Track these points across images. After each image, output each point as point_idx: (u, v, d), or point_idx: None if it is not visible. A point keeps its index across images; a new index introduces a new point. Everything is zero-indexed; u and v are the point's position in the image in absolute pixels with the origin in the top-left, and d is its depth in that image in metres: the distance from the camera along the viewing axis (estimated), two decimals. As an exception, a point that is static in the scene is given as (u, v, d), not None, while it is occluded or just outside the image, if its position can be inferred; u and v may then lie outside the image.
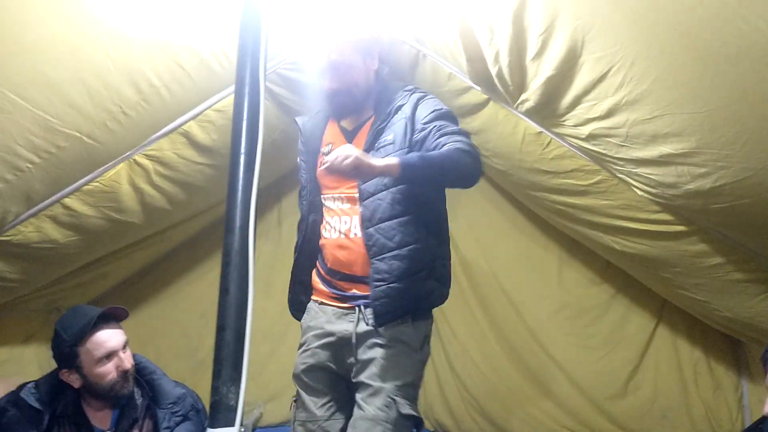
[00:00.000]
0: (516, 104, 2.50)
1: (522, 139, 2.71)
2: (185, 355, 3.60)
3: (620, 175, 2.54)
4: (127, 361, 2.12)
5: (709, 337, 3.40)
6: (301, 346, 2.21)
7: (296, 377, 2.22)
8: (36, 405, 2.10)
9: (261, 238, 3.74)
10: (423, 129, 2.01)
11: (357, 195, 2.06)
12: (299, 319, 2.28)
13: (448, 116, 2.08)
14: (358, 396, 2.03)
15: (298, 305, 2.29)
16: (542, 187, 2.95)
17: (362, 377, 2.03)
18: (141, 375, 2.27)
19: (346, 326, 2.08)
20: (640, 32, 1.80)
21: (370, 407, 1.97)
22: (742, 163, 1.97)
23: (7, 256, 2.72)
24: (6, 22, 1.96)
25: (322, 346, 2.13)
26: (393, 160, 1.85)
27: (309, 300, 2.23)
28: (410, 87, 2.17)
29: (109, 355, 2.09)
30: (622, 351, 3.47)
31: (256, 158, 1.24)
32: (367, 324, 2.05)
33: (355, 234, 2.07)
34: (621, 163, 2.40)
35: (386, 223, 2.02)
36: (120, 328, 2.17)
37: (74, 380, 2.12)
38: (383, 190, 2.03)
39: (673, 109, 1.96)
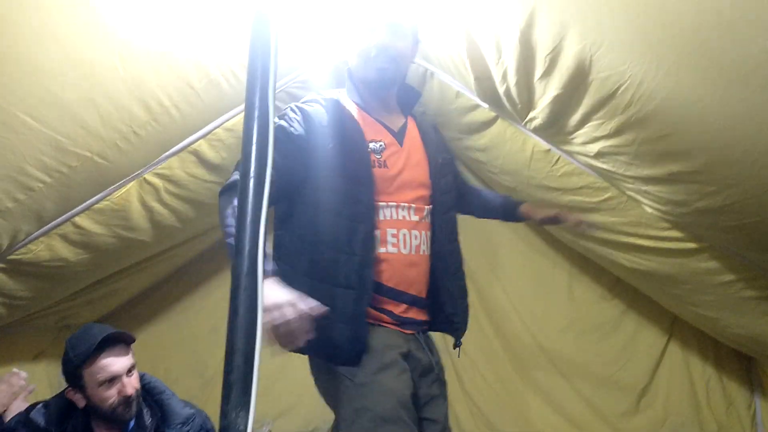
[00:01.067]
0: (524, 122, 2.51)
1: (530, 156, 2.71)
2: (195, 372, 3.60)
3: (630, 193, 2.54)
4: (129, 386, 2.11)
5: (721, 354, 3.38)
6: (388, 366, 1.73)
7: (402, 407, 1.70)
8: (45, 425, 2.10)
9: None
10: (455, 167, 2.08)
11: (429, 208, 1.87)
12: None
13: None
14: None
15: None
16: (552, 204, 2.94)
17: (431, 414, 1.84)
18: (150, 395, 2.27)
19: (421, 354, 1.84)
20: (647, 52, 1.80)
21: None
22: (751, 181, 1.96)
23: (18, 274, 2.74)
24: (19, 43, 1.97)
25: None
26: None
27: None
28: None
29: (112, 380, 2.09)
30: (634, 367, 3.45)
31: (265, 181, 1.23)
32: (453, 347, 2.08)
33: (424, 251, 1.86)
34: (630, 180, 2.39)
35: (451, 244, 1.98)
36: (127, 352, 2.16)
37: (78, 400, 2.12)
38: (446, 212, 1.94)
39: (681, 128, 1.95)
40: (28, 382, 2.50)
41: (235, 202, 1.34)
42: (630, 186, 2.46)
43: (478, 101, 2.68)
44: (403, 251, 1.80)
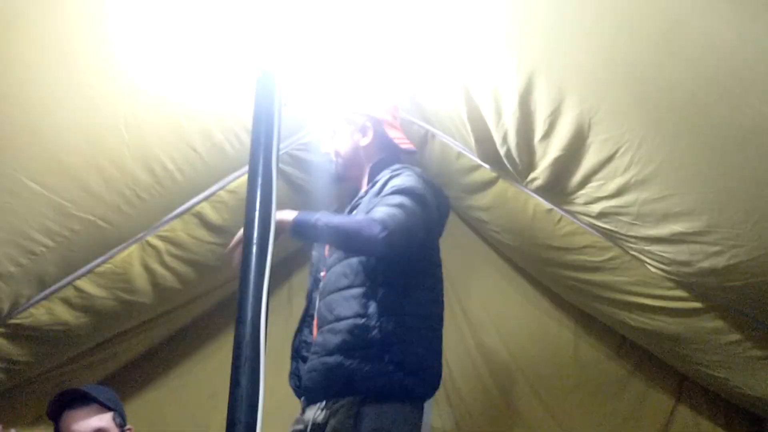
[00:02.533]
0: (525, 182, 2.53)
1: (532, 216, 2.72)
2: (194, 437, 3.53)
3: (633, 252, 2.54)
4: None
5: (732, 415, 3.30)
6: None
7: None
8: None
9: (272, 314, 3.70)
10: (373, 202, 1.95)
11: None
12: None
13: (407, 191, 1.93)
14: None
15: None
16: (555, 263, 2.94)
17: None
18: None
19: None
20: (646, 115, 1.83)
21: None
22: (754, 241, 1.97)
23: (18, 338, 2.71)
24: (24, 110, 2.01)
25: None
26: (288, 215, 1.79)
27: None
28: (398, 166, 2.11)
29: None
30: (643, 429, 3.37)
31: (268, 248, 1.24)
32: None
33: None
34: (633, 240, 2.39)
35: (330, 295, 1.97)
36: (100, 412, 2.10)
37: None
38: (336, 263, 2.00)
39: (682, 189, 1.97)
40: None
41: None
42: (633, 246, 2.46)
43: (479, 162, 2.70)
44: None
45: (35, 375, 3.07)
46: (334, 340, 1.89)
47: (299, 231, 1.82)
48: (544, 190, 2.51)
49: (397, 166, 2.11)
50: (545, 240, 2.81)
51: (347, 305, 1.91)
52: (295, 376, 2.11)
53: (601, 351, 3.47)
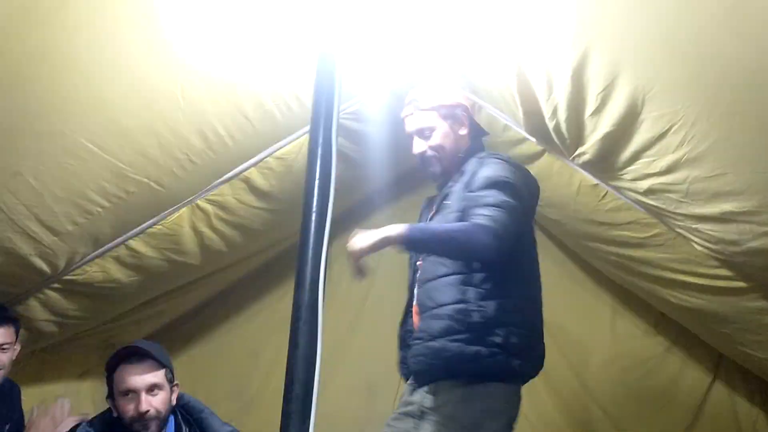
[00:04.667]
0: (572, 157, 2.51)
1: (577, 191, 2.71)
2: (234, 395, 3.63)
3: (679, 230, 2.52)
4: (145, 404, 2.09)
5: (768, 395, 3.30)
6: None
7: None
8: None
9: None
10: (468, 197, 1.96)
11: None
12: None
13: (501, 184, 1.94)
14: None
15: None
16: (597, 238, 2.93)
17: None
18: (190, 414, 2.30)
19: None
20: (702, 93, 1.80)
21: None
22: (806, 222, 1.95)
23: (71, 294, 2.82)
24: (88, 74, 2.07)
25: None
26: (396, 230, 1.83)
27: None
28: (483, 153, 2.14)
29: (130, 393, 2.11)
30: (678, 406, 3.38)
31: (327, 216, 1.28)
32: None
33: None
34: (680, 218, 2.38)
35: (429, 283, 2.01)
36: (154, 370, 2.16)
37: (112, 408, 2.16)
38: None
39: (734, 168, 1.95)
40: (71, 408, 2.53)
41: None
42: (680, 223, 2.44)
43: (526, 135, 2.69)
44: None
45: (85, 330, 3.19)
46: (437, 325, 1.93)
47: (411, 245, 1.92)
48: (592, 165, 2.50)
49: (483, 153, 2.14)
50: (589, 215, 2.80)
51: (447, 292, 1.95)
52: (403, 364, 2.15)
53: (638, 326, 3.48)
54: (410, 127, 2.12)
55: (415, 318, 2.05)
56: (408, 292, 2.18)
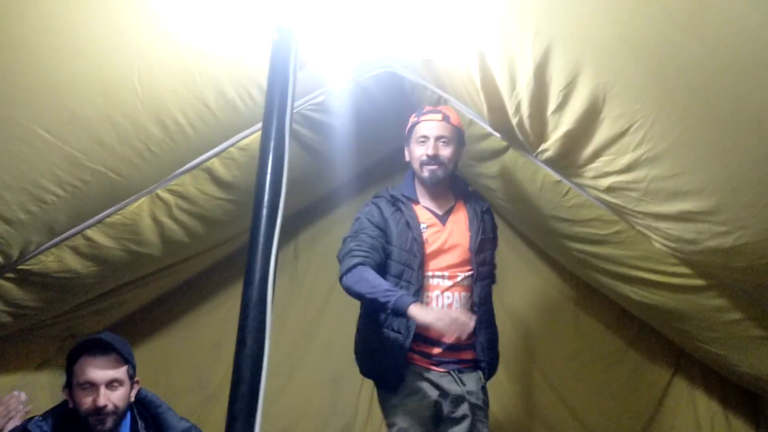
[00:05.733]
0: (535, 153, 2.52)
1: (541, 187, 2.72)
2: (196, 387, 3.60)
3: (639, 227, 2.54)
4: (104, 399, 2.05)
5: (727, 390, 3.36)
6: (413, 393, 2.35)
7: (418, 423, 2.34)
8: None
9: (278, 271, 3.77)
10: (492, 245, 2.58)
11: (470, 275, 2.40)
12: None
13: None
14: None
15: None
16: (560, 234, 2.95)
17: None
18: (147, 409, 2.27)
19: (452, 386, 2.36)
20: (661, 93, 1.81)
21: None
22: (762, 224, 1.96)
23: (27, 284, 2.75)
24: (37, 58, 2.00)
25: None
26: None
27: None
28: (471, 188, 2.75)
29: (88, 386, 2.07)
30: (638, 400, 3.44)
31: (278, 211, 1.25)
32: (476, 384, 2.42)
33: (456, 308, 2.34)
34: (640, 216, 2.39)
35: (486, 305, 2.48)
36: (116, 365, 2.12)
37: (70, 400, 2.12)
38: (487, 277, 2.49)
39: (693, 169, 1.96)
40: (27, 403, 2.48)
41: (364, 273, 2.22)
42: (640, 221, 2.46)
43: (491, 130, 2.69)
44: (435, 309, 2.29)
45: (43, 320, 3.12)
46: (492, 338, 2.53)
47: None
48: (554, 162, 2.51)
49: (470, 187, 2.69)
50: (552, 211, 2.81)
51: (489, 313, 2.56)
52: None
53: (600, 321, 3.52)
54: (432, 131, 2.39)
55: None
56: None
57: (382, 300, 2.15)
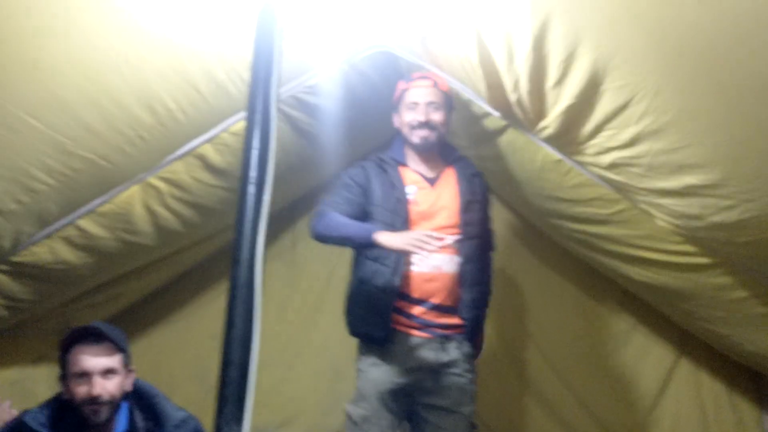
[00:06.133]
0: (536, 131, 2.47)
1: (541, 167, 2.67)
2: (196, 378, 3.56)
3: (642, 205, 2.49)
4: (98, 387, 2.01)
5: (731, 370, 3.32)
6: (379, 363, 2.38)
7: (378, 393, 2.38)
8: (39, 429, 2.06)
9: (275, 260, 3.74)
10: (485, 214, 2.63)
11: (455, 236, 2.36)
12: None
13: None
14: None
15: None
16: (562, 215, 2.90)
17: (436, 402, 2.37)
18: (143, 399, 2.23)
19: (434, 354, 2.37)
20: (663, 62, 1.76)
21: None
22: (768, 196, 1.92)
23: (20, 276, 2.72)
24: (19, 40, 1.94)
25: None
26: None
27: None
28: (461, 154, 2.65)
29: (83, 375, 2.03)
30: (643, 382, 3.40)
31: (265, 188, 1.20)
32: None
33: (445, 270, 2.36)
34: (643, 192, 2.35)
35: (473, 263, 2.43)
36: (110, 353, 2.08)
37: (65, 391, 2.08)
38: (474, 237, 2.45)
39: (697, 140, 1.91)
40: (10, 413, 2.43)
41: (333, 217, 2.31)
42: (643, 198, 2.41)
43: (490, 109, 2.64)
44: (424, 269, 2.33)
45: (38, 313, 3.09)
46: (478, 297, 2.51)
47: None
48: (555, 140, 2.45)
49: (460, 154, 2.63)
50: (553, 191, 2.76)
51: (477, 271, 2.51)
52: None
53: (604, 304, 3.48)
54: (422, 97, 2.41)
55: None
56: None
57: (351, 235, 2.24)
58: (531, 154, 2.66)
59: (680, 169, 2.06)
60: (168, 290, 3.69)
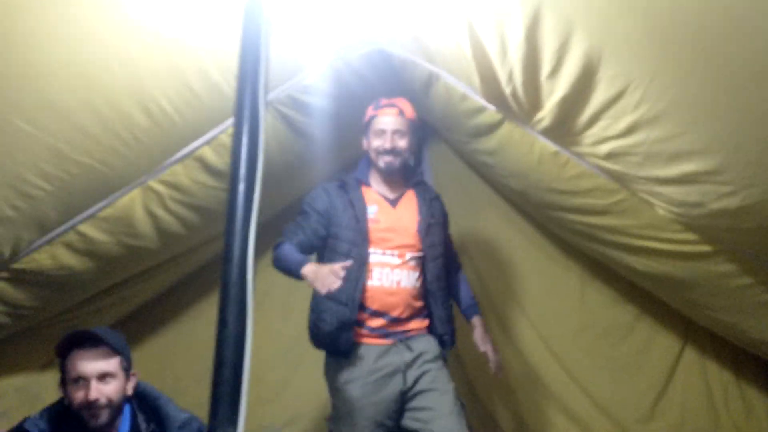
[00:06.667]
0: (532, 123, 2.45)
1: (538, 159, 2.65)
2: (204, 380, 3.55)
3: (641, 194, 2.47)
4: (96, 392, 1.99)
5: (739, 359, 3.31)
6: (354, 380, 2.44)
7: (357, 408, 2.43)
8: None
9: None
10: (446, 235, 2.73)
11: (420, 255, 2.53)
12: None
13: None
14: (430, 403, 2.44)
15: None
16: (561, 207, 2.88)
17: (422, 404, 2.45)
18: (146, 401, 2.22)
19: (401, 355, 2.46)
20: (658, 48, 1.73)
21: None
22: (770, 182, 1.90)
23: (22, 283, 2.71)
24: (10, 43, 1.93)
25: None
26: None
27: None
28: (422, 179, 2.76)
29: (79, 380, 2.01)
30: (648, 373, 3.38)
31: (255, 185, 1.19)
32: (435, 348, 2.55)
33: (405, 285, 2.49)
34: (642, 181, 2.33)
35: (441, 281, 2.59)
36: (109, 356, 2.06)
37: (64, 396, 2.08)
38: (438, 257, 2.58)
39: (694, 127, 1.89)
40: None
41: (283, 249, 2.41)
42: (642, 187, 2.39)
43: (485, 103, 2.62)
44: (385, 284, 2.47)
45: (43, 320, 3.09)
46: (450, 312, 2.65)
47: None
48: (551, 131, 2.44)
49: (421, 179, 2.73)
50: (551, 183, 2.75)
51: (444, 289, 2.65)
52: None
53: (607, 295, 3.46)
54: (389, 125, 2.50)
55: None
56: None
57: (290, 268, 2.35)
58: (528, 146, 2.65)
59: (678, 156, 2.04)
60: (173, 293, 3.70)
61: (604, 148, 2.25)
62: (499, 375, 2.69)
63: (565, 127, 2.31)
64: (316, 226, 2.50)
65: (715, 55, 1.66)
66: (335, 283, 2.14)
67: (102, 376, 2.03)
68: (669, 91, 1.84)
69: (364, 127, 2.61)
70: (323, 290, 2.16)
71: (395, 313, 2.48)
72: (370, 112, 2.58)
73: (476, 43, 2.18)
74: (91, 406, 2.00)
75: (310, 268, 2.26)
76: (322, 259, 2.54)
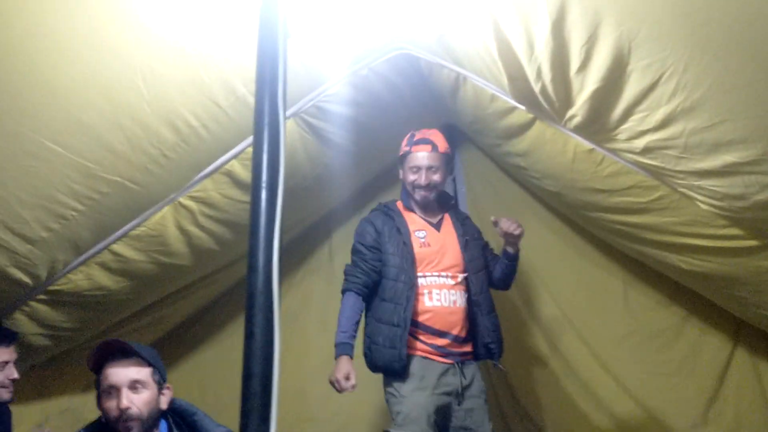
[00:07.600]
0: (563, 121, 2.38)
1: (573, 158, 2.58)
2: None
3: (682, 189, 2.38)
4: (127, 400, 1.98)
5: (792, 358, 3.17)
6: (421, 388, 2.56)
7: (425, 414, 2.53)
8: None
9: (313, 274, 3.73)
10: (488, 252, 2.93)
11: (465, 275, 2.69)
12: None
13: None
14: None
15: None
16: (598, 207, 2.81)
17: (464, 423, 2.60)
18: (182, 417, 2.22)
19: (455, 378, 2.61)
20: (690, 35, 1.67)
21: None
22: (817, 168, 1.81)
23: (59, 304, 2.75)
24: (34, 64, 1.95)
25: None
26: None
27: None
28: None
29: (111, 389, 2.01)
30: (699, 376, 3.26)
31: (278, 190, 1.16)
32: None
33: (460, 304, 2.65)
34: (682, 176, 2.24)
35: (486, 293, 2.76)
36: (140, 365, 2.05)
37: (101, 411, 2.08)
38: (480, 270, 2.76)
39: (734, 115, 1.81)
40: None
41: (346, 302, 2.62)
42: (682, 182, 2.30)
43: (514, 103, 2.57)
44: (444, 304, 2.62)
45: (83, 341, 3.11)
46: (496, 321, 2.79)
47: None
48: (584, 128, 2.37)
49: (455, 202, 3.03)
50: (587, 183, 2.67)
51: (490, 300, 2.81)
52: None
53: (652, 298, 3.36)
54: (422, 162, 2.66)
55: None
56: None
57: (338, 337, 2.56)
58: (561, 145, 2.58)
59: (718, 146, 1.96)
60: (211, 310, 3.71)
61: (640, 142, 2.17)
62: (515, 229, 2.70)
63: (598, 123, 2.24)
64: (372, 264, 2.65)
65: (753, 38, 1.59)
66: (341, 390, 2.49)
67: (133, 385, 2.02)
68: (705, 78, 1.77)
69: (399, 160, 2.74)
70: (335, 386, 2.49)
71: (456, 332, 2.62)
72: (404, 146, 2.71)
73: (502, 40, 2.13)
74: (123, 414, 1.99)
75: (342, 362, 2.51)
76: (377, 287, 2.68)
